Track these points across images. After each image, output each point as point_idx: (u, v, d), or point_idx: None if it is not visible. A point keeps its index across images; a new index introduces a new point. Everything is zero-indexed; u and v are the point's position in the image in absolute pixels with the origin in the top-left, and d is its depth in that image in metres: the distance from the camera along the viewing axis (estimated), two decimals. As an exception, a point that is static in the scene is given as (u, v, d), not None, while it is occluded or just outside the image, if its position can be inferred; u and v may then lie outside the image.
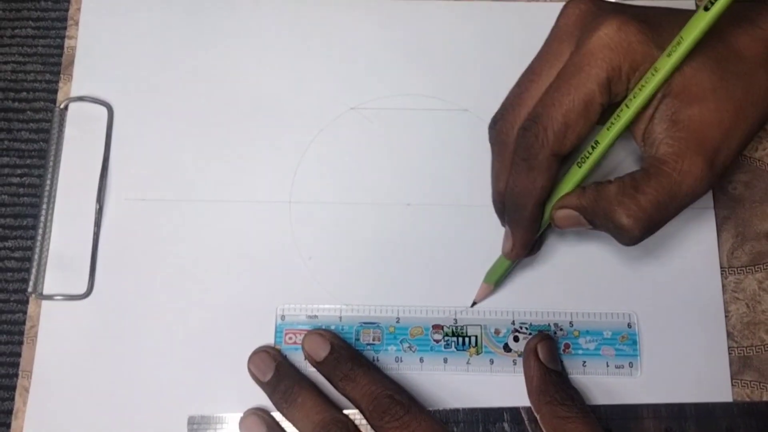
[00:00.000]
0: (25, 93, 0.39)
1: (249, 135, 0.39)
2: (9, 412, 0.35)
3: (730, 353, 0.36)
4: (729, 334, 0.36)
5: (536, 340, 0.35)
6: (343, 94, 0.39)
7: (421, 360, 0.36)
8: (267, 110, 0.39)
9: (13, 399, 0.35)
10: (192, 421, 0.35)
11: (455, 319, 0.36)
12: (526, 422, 0.35)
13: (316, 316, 0.36)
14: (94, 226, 0.37)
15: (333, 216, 0.38)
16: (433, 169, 0.38)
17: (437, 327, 0.36)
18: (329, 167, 0.38)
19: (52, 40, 0.40)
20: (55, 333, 0.36)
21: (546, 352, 0.35)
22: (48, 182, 0.37)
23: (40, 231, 0.37)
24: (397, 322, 0.36)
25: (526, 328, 0.36)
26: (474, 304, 0.36)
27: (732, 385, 0.36)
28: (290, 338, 0.36)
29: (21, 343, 0.36)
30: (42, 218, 0.37)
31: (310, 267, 0.37)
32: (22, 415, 0.35)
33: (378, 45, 0.40)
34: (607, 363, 0.36)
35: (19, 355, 0.36)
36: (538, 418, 0.34)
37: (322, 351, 0.34)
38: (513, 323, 0.36)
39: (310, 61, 0.40)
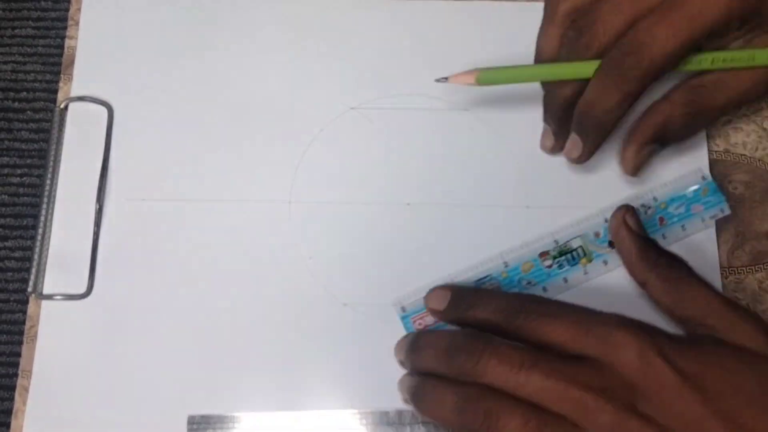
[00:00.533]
0: (25, 93, 0.39)
1: (249, 135, 0.39)
2: (9, 412, 0.35)
3: (730, 353, 0.36)
4: (729, 334, 0.36)
5: (621, 212, 0.35)
6: (343, 94, 0.39)
7: (544, 289, 0.36)
8: (267, 110, 0.39)
9: (12, 399, 0.35)
10: (192, 421, 0.35)
11: (555, 241, 0.36)
12: None
13: None
14: (94, 225, 0.37)
15: (333, 216, 0.38)
16: (433, 169, 0.38)
17: (543, 254, 0.36)
18: (329, 167, 0.38)
19: (53, 40, 0.40)
20: (55, 333, 0.36)
21: (635, 221, 0.35)
22: (48, 182, 0.37)
23: (40, 231, 0.37)
24: (506, 266, 0.36)
25: None
26: (445, 79, 0.35)
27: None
28: (419, 324, 0.35)
29: (21, 342, 0.36)
30: (42, 218, 0.37)
31: (310, 267, 0.37)
32: (22, 414, 0.35)
33: (378, 45, 0.40)
34: (702, 218, 0.37)
35: (18, 354, 0.36)
36: (645, 290, 0.33)
37: (443, 299, 0.34)
38: (606, 221, 0.36)
39: (310, 60, 0.40)
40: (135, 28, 0.40)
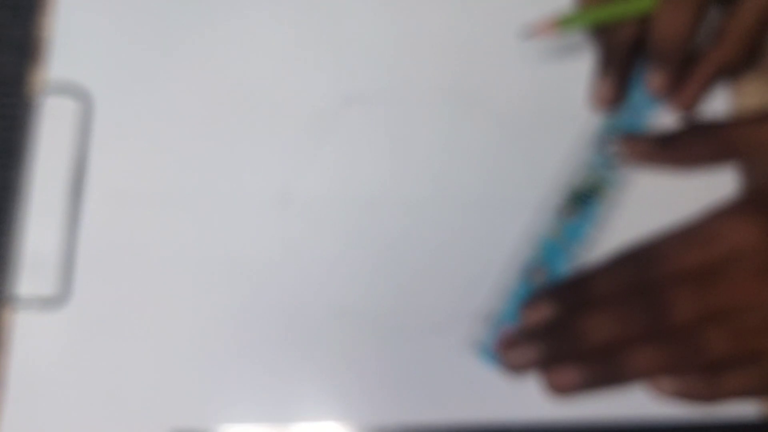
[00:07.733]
0: (-4, 83, 0.38)
1: (240, 129, 0.38)
2: (-17, 424, 0.34)
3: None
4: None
5: (626, 147, 0.36)
6: (340, 86, 0.38)
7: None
8: (260, 102, 0.38)
9: (-13, 410, 0.34)
10: (176, 435, 0.34)
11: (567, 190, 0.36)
12: None
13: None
14: (72, 226, 0.36)
15: (331, 214, 0.37)
16: (437, 164, 0.37)
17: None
18: (325, 163, 0.37)
19: (26, 27, 0.38)
20: (30, 341, 0.35)
21: (639, 139, 0.36)
22: (21, 179, 0.36)
23: (14, 232, 0.36)
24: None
25: None
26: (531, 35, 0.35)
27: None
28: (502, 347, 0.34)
29: (-5, 351, 0.35)
30: (15, 218, 0.36)
31: (303, 270, 0.36)
32: (-3, 427, 0.34)
33: (378, 38, 0.39)
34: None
35: (-8, 364, 0.34)
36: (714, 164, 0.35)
37: (545, 308, 0.33)
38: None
39: (306, 49, 0.39)
40: (114, 14, 0.39)
